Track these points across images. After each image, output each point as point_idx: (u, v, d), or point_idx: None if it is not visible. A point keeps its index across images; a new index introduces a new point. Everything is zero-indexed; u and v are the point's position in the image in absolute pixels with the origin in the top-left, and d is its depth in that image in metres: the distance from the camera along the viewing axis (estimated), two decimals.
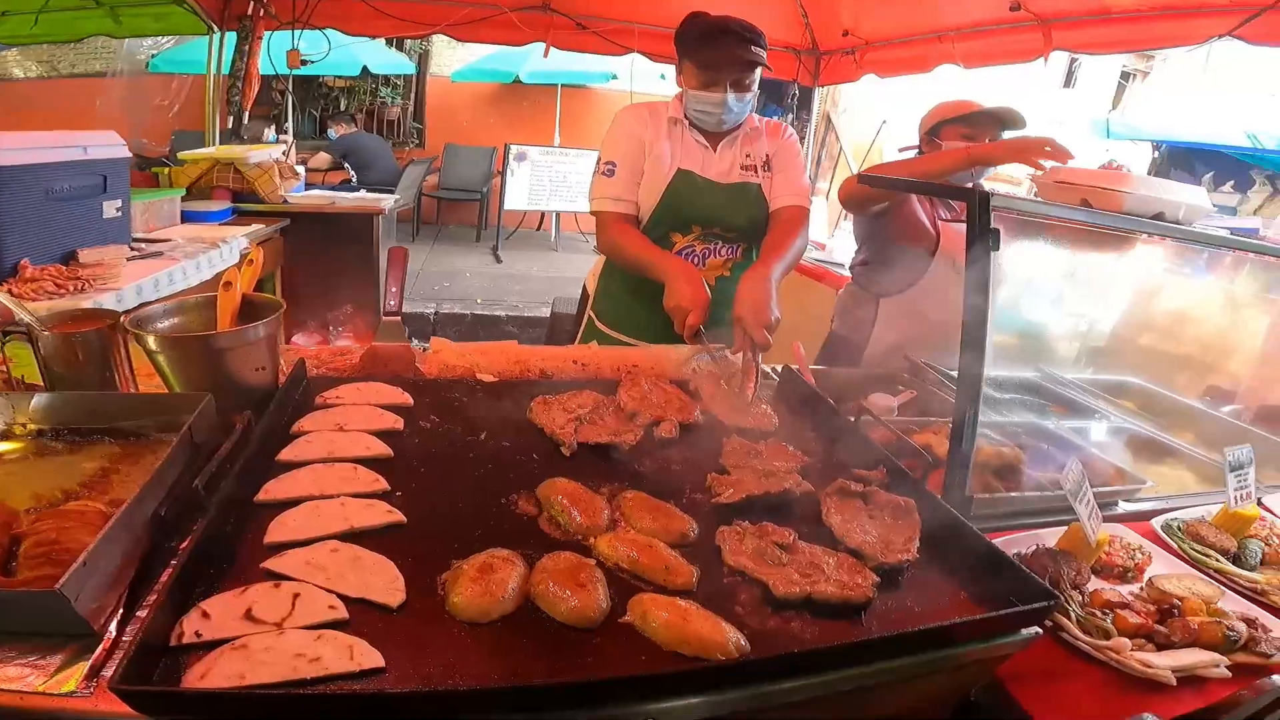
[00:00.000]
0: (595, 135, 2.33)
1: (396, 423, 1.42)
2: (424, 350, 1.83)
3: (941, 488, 1.38)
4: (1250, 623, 1.18)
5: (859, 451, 1.42)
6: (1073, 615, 1.15)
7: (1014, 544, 1.31)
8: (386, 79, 10.17)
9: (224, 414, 1.31)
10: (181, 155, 4.13)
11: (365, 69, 8.99)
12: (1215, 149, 8.34)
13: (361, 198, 4.68)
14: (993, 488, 1.53)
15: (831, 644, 0.92)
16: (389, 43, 9.28)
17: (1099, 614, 1.16)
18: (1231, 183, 8.71)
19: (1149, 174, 8.21)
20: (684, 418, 1.55)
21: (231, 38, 4.68)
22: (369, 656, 0.83)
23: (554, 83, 9.34)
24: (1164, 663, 1.07)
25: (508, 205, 8.72)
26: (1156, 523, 1.50)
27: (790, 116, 5.83)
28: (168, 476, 1.09)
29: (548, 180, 8.75)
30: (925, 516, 1.19)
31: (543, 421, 1.47)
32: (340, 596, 0.92)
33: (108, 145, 2.85)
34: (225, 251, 3.27)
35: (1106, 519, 1.37)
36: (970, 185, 2.24)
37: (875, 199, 2.36)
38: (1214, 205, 2.09)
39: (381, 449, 1.31)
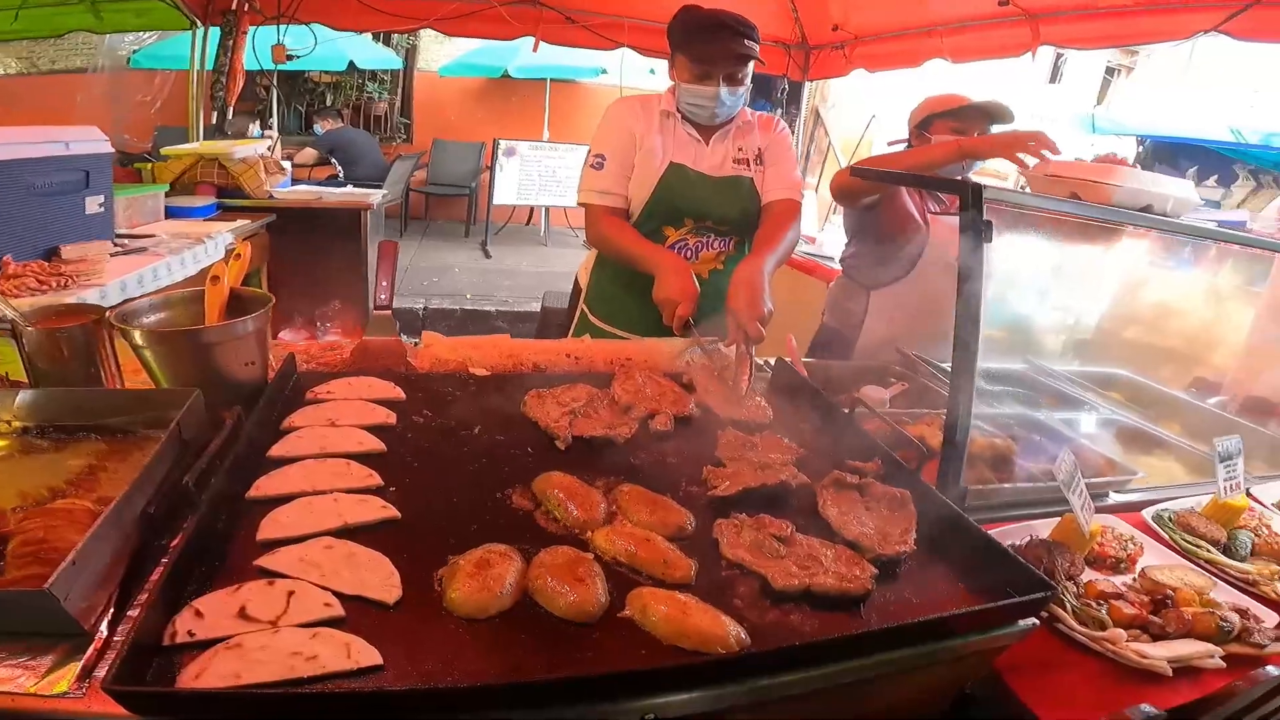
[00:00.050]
0: (584, 130, 2.33)
1: (389, 417, 1.41)
2: (415, 345, 1.82)
3: (936, 479, 1.38)
4: (1242, 613, 1.19)
5: (854, 443, 1.42)
6: (1068, 606, 1.16)
7: (1007, 535, 1.32)
8: (373, 74, 10.06)
9: (213, 410, 1.29)
10: (165, 150, 4.06)
11: (352, 64, 8.89)
12: (1199, 144, 8.44)
13: (349, 193, 4.64)
14: (986, 479, 1.54)
15: (832, 636, 0.92)
16: (376, 37, 9.18)
17: (1094, 605, 1.17)
18: (1215, 177, 8.81)
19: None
20: (679, 410, 1.55)
21: (215, 33, 4.61)
22: (366, 654, 0.82)
23: (543, 77, 9.29)
24: (1160, 653, 1.08)
25: (497, 200, 8.66)
26: (1147, 513, 1.51)
27: (779, 111, 5.82)
28: (157, 473, 1.07)
29: (537, 175, 8.70)
30: (921, 508, 1.19)
31: (537, 415, 1.46)
32: (335, 594, 0.91)
33: (90, 141, 2.80)
34: (210, 247, 3.23)
35: (1098, 510, 1.38)
36: (960, 178, 2.25)
37: (866, 191, 2.36)
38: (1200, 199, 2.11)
39: (374, 444, 1.30)
